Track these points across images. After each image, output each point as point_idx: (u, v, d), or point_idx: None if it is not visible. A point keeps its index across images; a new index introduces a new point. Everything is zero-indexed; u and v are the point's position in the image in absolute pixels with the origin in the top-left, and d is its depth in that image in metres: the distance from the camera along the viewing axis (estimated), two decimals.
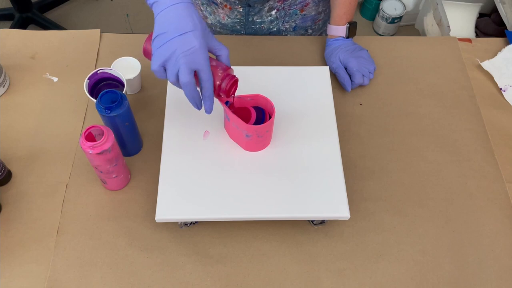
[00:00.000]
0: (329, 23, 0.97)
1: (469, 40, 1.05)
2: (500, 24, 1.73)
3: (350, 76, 0.94)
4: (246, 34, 1.05)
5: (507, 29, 1.58)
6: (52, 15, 2.15)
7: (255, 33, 1.04)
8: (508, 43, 1.04)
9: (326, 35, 1.13)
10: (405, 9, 2.07)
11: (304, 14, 1.02)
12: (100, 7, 2.21)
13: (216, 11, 1.01)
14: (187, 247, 0.76)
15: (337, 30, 0.95)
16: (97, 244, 0.76)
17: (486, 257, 0.78)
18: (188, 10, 0.64)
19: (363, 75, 0.93)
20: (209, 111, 0.68)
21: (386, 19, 2.08)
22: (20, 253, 0.75)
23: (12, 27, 1.99)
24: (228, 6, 0.99)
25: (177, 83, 0.65)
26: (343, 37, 0.95)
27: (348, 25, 0.94)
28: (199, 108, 0.68)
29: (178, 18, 0.63)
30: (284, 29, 1.04)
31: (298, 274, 0.75)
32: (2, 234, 0.76)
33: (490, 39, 1.06)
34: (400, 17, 2.08)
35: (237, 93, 0.76)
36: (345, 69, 0.94)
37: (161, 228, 0.78)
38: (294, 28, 1.04)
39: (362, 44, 1.04)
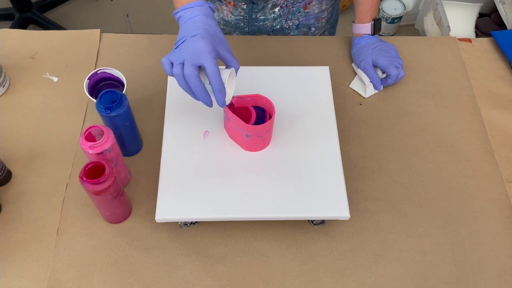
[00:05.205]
0: (353, 22, 0.97)
1: (469, 40, 1.05)
2: (500, 24, 1.73)
3: (383, 73, 0.95)
4: (249, 31, 1.05)
5: (507, 29, 1.58)
6: (52, 15, 2.15)
7: (258, 30, 1.04)
8: None
9: (329, 34, 1.14)
10: (405, 9, 2.07)
11: (308, 12, 1.02)
12: (100, 7, 2.21)
13: (220, 8, 1.01)
14: (187, 247, 0.76)
15: (362, 28, 0.95)
16: (97, 244, 0.76)
17: (486, 257, 0.78)
18: (203, 19, 0.71)
19: (396, 66, 0.93)
20: (221, 103, 0.69)
21: (386, 19, 2.08)
22: (20, 253, 0.75)
23: (12, 27, 1.99)
24: (232, 3, 0.99)
25: (181, 76, 0.68)
26: (369, 34, 0.95)
27: (373, 22, 0.94)
28: (209, 104, 0.69)
29: (193, 26, 0.70)
30: (287, 26, 1.04)
31: (298, 274, 0.75)
32: (2, 234, 0.76)
33: (490, 39, 1.06)
34: (400, 17, 2.08)
35: (237, 93, 0.76)
36: (375, 67, 0.94)
37: (161, 228, 0.78)
38: (297, 26, 1.05)
39: None
